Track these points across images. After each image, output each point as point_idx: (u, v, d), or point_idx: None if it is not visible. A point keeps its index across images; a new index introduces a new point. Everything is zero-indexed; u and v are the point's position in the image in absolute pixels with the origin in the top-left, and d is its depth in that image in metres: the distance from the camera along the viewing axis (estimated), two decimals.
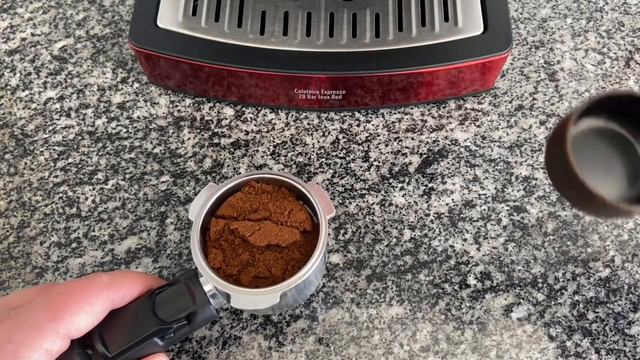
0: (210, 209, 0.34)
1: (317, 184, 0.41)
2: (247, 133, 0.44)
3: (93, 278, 0.30)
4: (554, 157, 0.30)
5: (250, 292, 0.31)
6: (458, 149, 0.43)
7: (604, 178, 0.30)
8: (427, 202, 0.41)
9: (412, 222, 0.41)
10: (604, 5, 0.50)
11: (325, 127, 0.44)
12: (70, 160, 0.43)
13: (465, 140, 0.44)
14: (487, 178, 0.42)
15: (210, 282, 0.31)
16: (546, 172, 0.31)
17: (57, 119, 0.44)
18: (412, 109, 0.45)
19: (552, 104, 0.45)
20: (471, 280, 0.39)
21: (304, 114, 0.45)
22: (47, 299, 0.28)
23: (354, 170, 0.42)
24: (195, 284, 0.31)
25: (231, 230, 0.33)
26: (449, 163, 0.43)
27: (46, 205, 0.41)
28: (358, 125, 0.44)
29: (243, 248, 0.33)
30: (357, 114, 0.45)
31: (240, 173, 0.42)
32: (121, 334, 0.30)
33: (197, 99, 0.45)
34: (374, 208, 0.41)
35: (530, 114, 0.45)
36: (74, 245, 0.40)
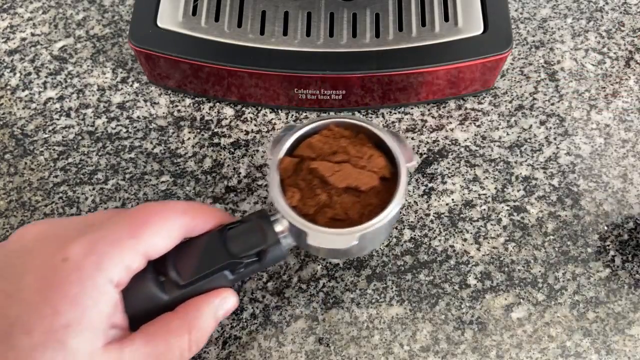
0: (288, 149, 0.34)
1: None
2: (247, 133, 0.44)
3: (170, 203, 0.31)
4: None
5: (329, 231, 0.31)
6: (458, 149, 0.43)
7: None
8: (427, 202, 0.41)
9: (412, 222, 0.41)
10: (604, 5, 0.50)
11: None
12: (70, 160, 0.43)
13: (465, 140, 0.44)
14: (487, 178, 0.42)
15: (284, 221, 0.31)
16: None
17: (57, 119, 0.44)
18: (412, 109, 0.45)
19: (552, 104, 0.45)
20: (471, 280, 0.39)
21: (304, 114, 0.45)
22: (128, 217, 0.29)
23: None
24: (267, 224, 0.32)
25: (310, 170, 0.33)
26: (449, 163, 0.43)
27: (46, 205, 0.41)
28: None
29: (321, 189, 0.32)
30: (357, 114, 0.45)
31: (240, 173, 0.42)
32: (193, 264, 0.30)
33: (197, 99, 0.45)
34: None
35: (531, 113, 0.45)
36: None
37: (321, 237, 0.31)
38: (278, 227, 0.32)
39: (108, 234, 0.28)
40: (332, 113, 0.45)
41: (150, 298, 0.30)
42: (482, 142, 0.44)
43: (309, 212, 0.32)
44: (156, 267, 0.30)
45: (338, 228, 0.31)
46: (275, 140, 0.34)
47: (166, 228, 0.29)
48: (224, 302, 0.31)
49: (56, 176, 0.42)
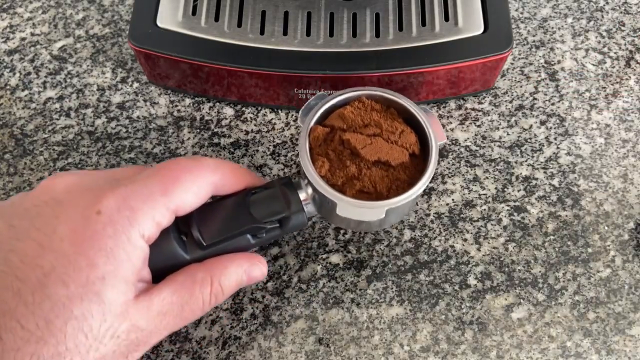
0: (320, 117, 0.34)
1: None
2: (247, 133, 0.44)
3: (201, 160, 0.31)
4: None
5: (359, 203, 0.31)
6: (458, 149, 0.43)
7: None
8: (427, 202, 0.41)
9: (412, 222, 0.40)
10: (604, 5, 0.50)
11: None
12: (70, 160, 0.43)
13: (465, 140, 0.44)
14: (487, 178, 0.42)
15: (307, 189, 0.31)
16: None
17: (57, 119, 0.44)
18: None
19: (553, 104, 0.45)
20: (471, 281, 0.39)
21: None
22: (159, 174, 0.29)
23: None
24: (291, 191, 0.32)
25: (341, 141, 0.33)
26: (449, 163, 0.43)
27: None
28: None
29: (351, 160, 0.32)
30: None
31: None
32: (216, 225, 0.31)
33: (197, 98, 0.45)
34: None
35: (531, 113, 0.45)
36: None
37: (351, 209, 0.31)
38: (302, 195, 0.32)
39: (140, 188, 0.28)
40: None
41: (173, 256, 0.30)
42: (482, 142, 0.43)
43: (337, 182, 0.32)
44: (179, 225, 0.30)
45: (365, 200, 0.31)
46: (307, 108, 0.34)
47: (197, 185, 0.29)
48: (253, 268, 0.32)
49: None
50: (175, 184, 0.29)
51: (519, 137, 0.44)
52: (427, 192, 0.41)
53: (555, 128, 0.44)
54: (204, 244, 0.30)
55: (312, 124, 0.33)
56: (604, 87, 0.46)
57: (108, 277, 0.26)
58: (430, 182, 0.42)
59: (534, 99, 0.45)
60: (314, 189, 0.32)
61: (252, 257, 0.32)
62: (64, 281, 0.26)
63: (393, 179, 0.32)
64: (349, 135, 0.33)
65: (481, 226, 0.40)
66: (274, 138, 0.44)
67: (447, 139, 0.43)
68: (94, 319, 0.26)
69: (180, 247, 0.30)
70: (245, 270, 0.31)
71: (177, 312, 0.29)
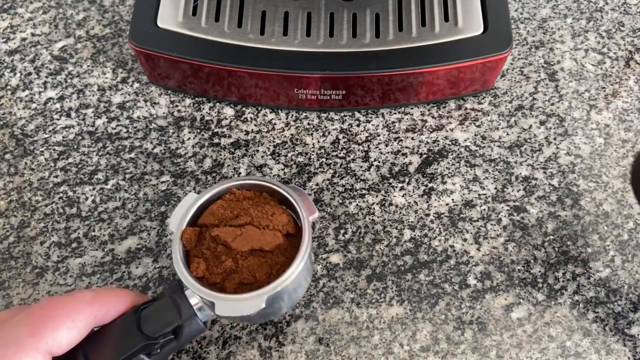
0: (192, 219, 0.33)
1: (317, 184, 0.41)
2: (247, 133, 0.44)
3: (75, 294, 0.29)
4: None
5: (235, 298, 0.30)
6: (458, 149, 0.43)
7: None
8: (427, 202, 0.41)
9: (412, 222, 0.41)
10: (604, 5, 0.50)
11: (325, 127, 0.44)
12: (70, 160, 0.43)
13: (465, 140, 0.44)
14: (487, 178, 0.42)
15: (193, 292, 0.30)
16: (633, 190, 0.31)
17: (57, 119, 0.44)
18: (412, 109, 0.45)
19: (552, 104, 0.45)
20: (471, 280, 0.39)
21: (304, 114, 0.45)
22: (27, 315, 0.27)
23: (354, 170, 0.42)
24: (181, 297, 0.31)
25: (213, 238, 0.32)
26: (449, 163, 0.43)
27: (46, 205, 0.41)
28: (358, 125, 0.44)
29: (226, 255, 0.32)
30: (357, 114, 0.45)
31: (240, 173, 0.42)
32: (106, 351, 0.29)
33: (197, 99, 0.45)
34: (374, 208, 0.41)
35: (530, 114, 0.45)
36: (74, 245, 0.40)
37: (228, 306, 0.30)
38: (193, 300, 0.31)
39: (5, 334, 0.27)
40: (331, 113, 0.45)
41: None
42: (482, 142, 0.44)
43: (217, 280, 0.31)
44: (68, 358, 0.28)
45: (247, 292, 0.30)
46: (177, 213, 0.33)
47: (70, 321, 0.28)
48: None
49: (56, 176, 0.42)
50: (45, 323, 0.27)
51: (518, 137, 0.44)
52: (427, 192, 0.42)
53: (554, 128, 0.44)
54: None
55: (183, 226, 0.32)
56: (604, 87, 0.46)
57: None
58: (430, 183, 0.42)
59: (534, 99, 0.45)
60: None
61: None
62: None
63: (272, 263, 0.32)
64: (218, 231, 0.32)
65: (481, 226, 0.40)
66: (274, 138, 0.44)
67: (447, 139, 0.44)
68: None
69: None
70: None
71: None
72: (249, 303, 0.30)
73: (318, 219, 0.40)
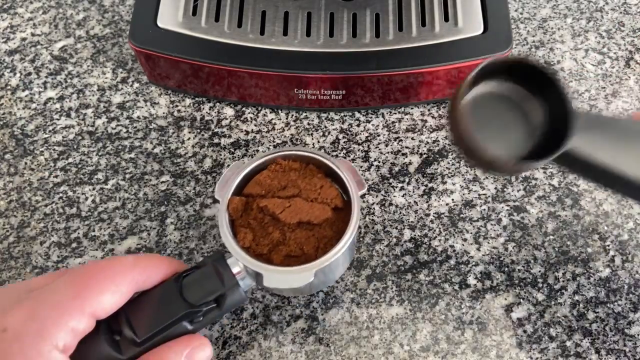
0: (237, 187, 0.33)
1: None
2: (247, 133, 0.44)
3: (117, 258, 0.29)
4: (452, 120, 0.31)
5: (284, 270, 0.30)
6: (458, 149, 0.43)
7: (500, 138, 0.31)
8: (427, 202, 0.41)
9: (412, 222, 0.41)
10: (604, 5, 0.50)
11: (325, 127, 0.44)
12: (70, 160, 0.43)
13: None
14: (487, 178, 0.42)
15: (240, 262, 0.30)
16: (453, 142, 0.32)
17: (57, 119, 0.44)
18: (412, 109, 0.45)
19: None
20: (471, 280, 0.39)
21: (304, 114, 0.45)
22: (71, 278, 0.27)
23: None
24: (223, 266, 0.30)
25: (260, 208, 0.32)
26: (449, 163, 0.43)
27: (46, 205, 0.41)
28: (358, 125, 0.44)
29: (273, 226, 0.32)
30: (357, 114, 0.45)
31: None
32: (149, 318, 0.29)
33: (197, 99, 0.45)
34: (374, 208, 0.41)
35: None
36: (74, 245, 0.40)
37: (276, 278, 0.30)
38: (236, 269, 0.31)
39: (49, 296, 0.27)
40: (331, 113, 0.45)
41: (107, 359, 0.28)
42: None
43: (263, 251, 0.31)
44: (110, 325, 0.29)
45: (294, 264, 0.30)
46: (223, 181, 0.33)
47: (114, 285, 0.28)
48: (194, 352, 0.29)
49: (56, 176, 0.42)
50: (89, 287, 0.27)
51: None
52: (427, 192, 0.42)
53: None
54: (138, 341, 0.28)
55: (229, 196, 0.32)
56: (604, 87, 0.46)
57: None
58: (430, 183, 0.42)
59: None
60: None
61: (192, 339, 0.29)
62: None
63: (320, 237, 0.32)
64: (266, 201, 0.32)
65: (481, 226, 0.40)
66: (274, 138, 0.44)
67: (447, 139, 0.44)
68: None
69: (112, 348, 0.28)
70: (186, 355, 0.29)
71: None
72: (298, 276, 0.30)
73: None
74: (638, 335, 0.37)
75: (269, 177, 0.33)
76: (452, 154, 0.43)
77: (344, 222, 0.32)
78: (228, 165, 0.42)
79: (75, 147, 0.43)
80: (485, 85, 0.32)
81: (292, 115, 0.45)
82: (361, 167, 0.42)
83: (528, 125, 0.32)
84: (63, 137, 0.44)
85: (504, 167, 0.30)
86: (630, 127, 0.32)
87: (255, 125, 0.44)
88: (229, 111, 0.45)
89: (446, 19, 0.42)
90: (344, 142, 0.44)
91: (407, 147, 0.43)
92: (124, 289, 0.28)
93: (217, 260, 0.31)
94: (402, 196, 0.41)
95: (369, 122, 0.44)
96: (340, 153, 0.43)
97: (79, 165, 0.43)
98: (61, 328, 0.26)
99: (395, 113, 0.45)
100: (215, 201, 0.39)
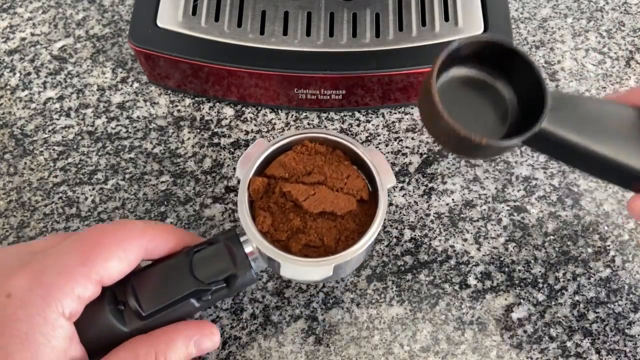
0: (259, 167, 0.31)
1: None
2: (247, 133, 0.44)
3: (126, 223, 0.28)
4: (425, 104, 0.30)
5: (303, 262, 0.29)
6: None
7: (474, 122, 0.31)
8: (427, 202, 0.41)
9: (412, 222, 0.40)
10: (604, 5, 0.50)
11: (326, 127, 0.44)
12: (70, 160, 0.43)
13: None
14: (487, 178, 0.42)
15: (257, 246, 0.29)
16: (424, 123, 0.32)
17: (57, 119, 0.44)
18: (412, 108, 0.45)
19: None
20: (471, 281, 0.39)
21: (304, 114, 0.45)
22: (77, 242, 0.27)
23: None
24: (237, 246, 0.29)
25: (283, 193, 0.31)
26: (449, 163, 0.43)
27: (46, 205, 0.41)
28: (358, 125, 0.44)
29: (295, 213, 0.30)
30: (357, 114, 0.45)
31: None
32: (156, 292, 0.28)
33: (197, 98, 0.45)
34: None
35: None
36: None
37: (294, 269, 0.29)
38: (249, 249, 0.29)
39: (54, 261, 0.26)
40: (331, 113, 0.45)
41: (108, 329, 0.27)
42: None
43: (282, 238, 0.30)
44: (114, 294, 0.28)
45: (312, 255, 0.29)
46: (245, 158, 0.31)
47: (121, 251, 0.27)
48: (203, 339, 0.29)
49: (56, 176, 0.42)
50: (96, 252, 0.26)
51: None
52: (427, 192, 0.41)
53: None
54: (143, 314, 0.27)
55: (251, 175, 0.31)
56: (604, 87, 0.46)
57: None
58: (430, 183, 0.42)
59: None
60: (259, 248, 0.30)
61: (202, 325, 0.29)
62: None
63: (341, 229, 0.30)
64: (290, 187, 0.30)
65: (481, 226, 0.40)
66: (274, 138, 0.44)
67: None
68: None
69: (116, 319, 0.27)
70: (195, 341, 0.28)
71: None
72: (317, 269, 0.29)
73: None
74: (638, 335, 0.37)
75: (294, 160, 0.32)
76: (452, 154, 0.43)
77: (367, 216, 0.31)
78: (228, 165, 0.42)
79: (74, 147, 0.43)
80: (458, 69, 0.32)
81: (292, 115, 0.45)
82: None
83: (502, 108, 0.32)
84: (63, 137, 0.44)
85: (477, 144, 0.28)
86: (602, 107, 0.31)
87: (255, 125, 0.44)
88: (228, 111, 0.45)
89: (446, 19, 0.42)
90: None
91: (407, 147, 0.43)
92: (131, 256, 0.27)
93: (230, 238, 0.30)
94: (402, 196, 0.41)
95: (369, 122, 0.44)
96: None
97: (79, 165, 0.42)
98: (67, 294, 0.25)
99: (395, 113, 0.45)
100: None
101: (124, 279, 0.28)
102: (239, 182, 0.32)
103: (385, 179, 0.31)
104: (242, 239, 0.30)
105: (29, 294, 0.25)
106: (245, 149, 0.43)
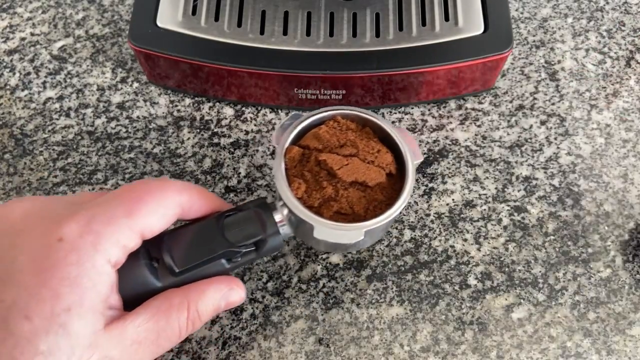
0: (294, 137, 0.33)
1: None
2: (247, 133, 0.44)
3: (167, 181, 0.30)
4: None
5: (336, 226, 0.30)
6: (458, 149, 0.43)
7: None
8: (427, 202, 0.41)
9: (412, 222, 0.40)
10: (604, 5, 0.50)
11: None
12: (69, 160, 0.43)
13: (465, 140, 0.43)
14: (487, 178, 0.42)
15: (289, 210, 0.31)
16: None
17: (57, 119, 0.44)
18: (412, 108, 0.45)
19: (553, 104, 0.45)
20: (471, 281, 0.39)
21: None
22: (123, 195, 0.28)
23: None
24: (266, 213, 0.31)
25: (318, 162, 0.32)
26: (449, 163, 0.43)
27: None
28: None
29: (327, 181, 0.32)
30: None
31: (240, 173, 0.42)
32: (190, 250, 0.30)
33: (196, 98, 0.45)
34: None
35: (531, 113, 0.45)
36: None
37: (328, 232, 0.30)
38: (278, 217, 0.31)
39: (102, 211, 0.27)
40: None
41: (143, 283, 0.29)
42: (482, 142, 0.43)
43: (314, 204, 0.32)
44: (150, 251, 0.29)
45: (342, 222, 0.31)
46: (282, 128, 0.33)
47: (162, 206, 0.28)
48: (231, 293, 0.31)
49: (56, 176, 0.42)
50: (140, 205, 0.27)
51: (519, 137, 0.44)
52: (427, 192, 0.41)
53: (555, 128, 0.44)
54: (176, 270, 0.29)
55: (287, 144, 0.33)
56: (604, 87, 0.46)
57: (74, 307, 0.25)
58: (430, 183, 0.42)
59: (534, 98, 0.45)
60: (290, 211, 0.31)
61: (231, 280, 0.31)
62: (27, 315, 0.24)
63: (370, 199, 0.32)
64: (326, 156, 0.32)
65: (481, 226, 0.40)
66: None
67: (447, 139, 0.43)
68: (62, 352, 0.24)
69: (151, 274, 0.29)
70: (223, 295, 0.30)
71: (152, 340, 0.27)
72: (349, 233, 0.31)
73: None
74: (638, 335, 0.37)
75: (327, 133, 0.33)
76: (452, 154, 0.43)
77: (394, 190, 0.33)
78: (228, 165, 0.42)
79: (74, 147, 0.43)
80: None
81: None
82: None
83: None
84: (62, 137, 0.44)
85: None
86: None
87: (255, 125, 0.44)
88: (228, 111, 0.45)
89: (446, 19, 0.42)
90: None
91: None
92: (170, 212, 0.29)
93: (260, 206, 0.32)
94: None
95: None
96: None
97: (79, 165, 0.42)
98: (114, 243, 0.26)
99: (395, 113, 0.45)
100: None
101: (158, 236, 0.29)
102: (273, 152, 0.33)
103: (413, 156, 0.33)
104: (271, 206, 0.32)
105: (80, 240, 0.26)
106: (245, 149, 0.43)
